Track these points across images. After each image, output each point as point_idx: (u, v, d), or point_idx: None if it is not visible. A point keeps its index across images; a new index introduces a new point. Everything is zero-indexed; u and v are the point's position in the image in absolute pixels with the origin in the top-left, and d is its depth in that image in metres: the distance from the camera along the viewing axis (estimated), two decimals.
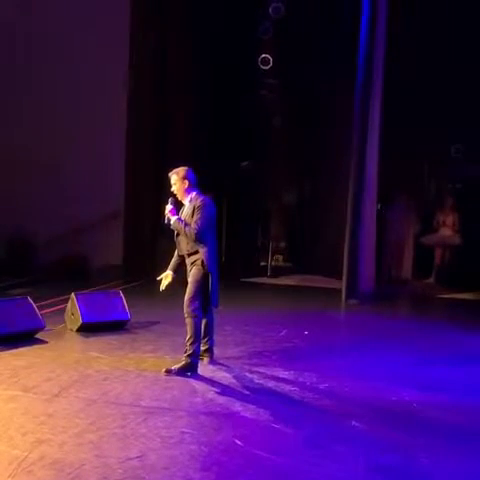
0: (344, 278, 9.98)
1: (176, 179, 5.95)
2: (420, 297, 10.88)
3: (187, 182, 5.93)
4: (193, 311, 5.77)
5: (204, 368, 5.90)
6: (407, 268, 11.80)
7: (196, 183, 5.99)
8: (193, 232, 5.79)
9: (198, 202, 5.87)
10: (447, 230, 11.83)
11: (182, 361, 5.76)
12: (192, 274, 5.86)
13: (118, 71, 11.39)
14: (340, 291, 10.01)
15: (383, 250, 11.08)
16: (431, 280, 11.71)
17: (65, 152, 11.37)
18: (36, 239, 11.39)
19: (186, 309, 5.79)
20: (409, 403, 5.28)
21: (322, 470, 3.97)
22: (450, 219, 11.82)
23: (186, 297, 5.82)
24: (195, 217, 5.81)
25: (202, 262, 5.80)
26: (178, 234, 5.97)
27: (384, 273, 11.25)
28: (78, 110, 11.40)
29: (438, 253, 11.78)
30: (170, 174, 6.02)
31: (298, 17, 11.74)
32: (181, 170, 5.97)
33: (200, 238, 5.81)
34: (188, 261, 5.94)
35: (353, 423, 4.77)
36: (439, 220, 11.89)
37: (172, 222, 5.89)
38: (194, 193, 5.94)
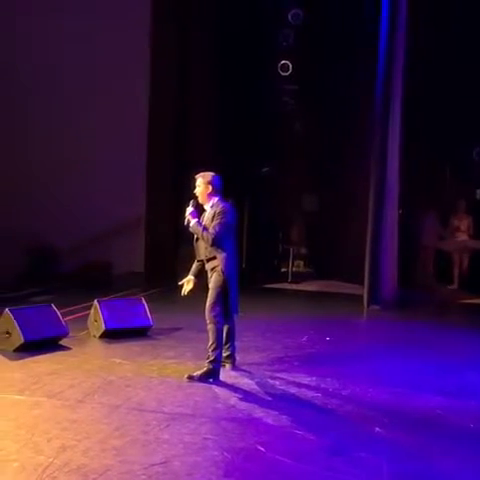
0: (366, 284, 9.93)
1: (201, 182, 5.99)
2: (442, 303, 10.79)
3: (211, 187, 5.96)
4: (214, 317, 5.78)
5: (226, 374, 5.91)
6: (429, 274, 11.71)
7: (220, 190, 6.02)
8: (210, 237, 5.82)
9: (219, 208, 5.90)
10: (463, 235, 11.69)
11: (204, 367, 5.78)
12: (213, 280, 5.88)
13: (139, 75, 11.48)
14: (362, 297, 9.97)
15: (404, 256, 11.01)
16: (454, 286, 11.60)
17: (86, 159, 11.47)
18: (59, 247, 11.48)
19: (207, 315, 5.81)
20: (432, 409, 5.23)
21: (345, 477, 3.96)
22: (465, 224, 11.66)
23: (207, 303, 5.84)
24: (214, 222, 5.85)
25: (221, 268, 5.83)
26: (197, 239, 6.00)
27: (405, 279, 11.18)
28: (99, 117, 11.48)
29: (456, 259, 11.66)
30: (197, 176, 6.06)
31: (317, 23, 11.75)
32: (208, 175, 6.02)
33: (217, 243, 5.83)
34: (207, 267, 5.97)
35: (376, 429, 4.75)
36: (454, 225, 11.76)
37: (191, 224, 5.93)
38: (216, 199, 5.97)
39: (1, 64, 11.10)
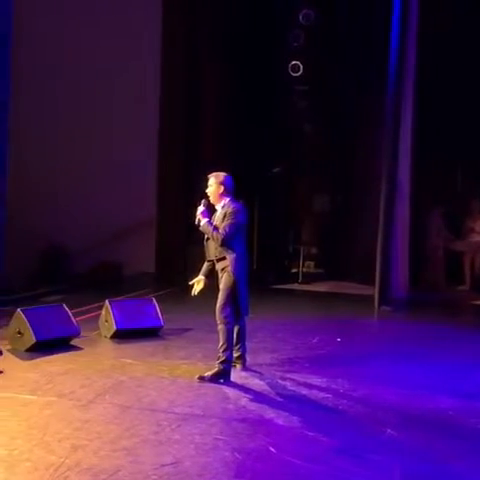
0: (377, 284, 9.89)
1: (213, 182, 6.00)
2: (454, 304, 10.73)
3: (223, 188, 5.96)
4: (225, 318, 5.79)
5: (237, 375, 5.91)
6: (439, 275, 11.65)
7: (232, 190, 6.02)
8: (220, 237, 5.81)
9: (230, 209, 5.91)
10: (476, 236, 11.60)
11: (215, 368, 5.78)
12: (223, 281, 5.88)
13: (149, 76, 11.50)
14: (373, 298, 9.93)
15: (415, 256, 10.97)
16: (466, 287, 11.53)
17: (97, 160, 11.50)
18: (70, 247, 11.52)
19: (218, 316, 5.82)
20: (445, 411, 5.21)
21: (356, 478, 3.95)
22: (479, 224, 11.61)
23: (218, 304, 5.84)
24: (225, 223, 5.85)
25: (231, 269, 5.82)
26: (208, 238, 6.00)
27: (416, 279, 11.14)
28: (110, 118, 11.51)
29: (467, 260, 11.58)
30: (209, 176, 6.07)
31: (328, 23, 11.73)
32: (220, 175, 6.03)
33: (227, 244, 5.83)
34: (218, 267, 5.97)
35: (387, 431, 4.73)
36: (468, 226, 11.68)
37: (202, 224, 5.93)
38: (228, 199, 5.98)
39: (19, 66, 11.13)
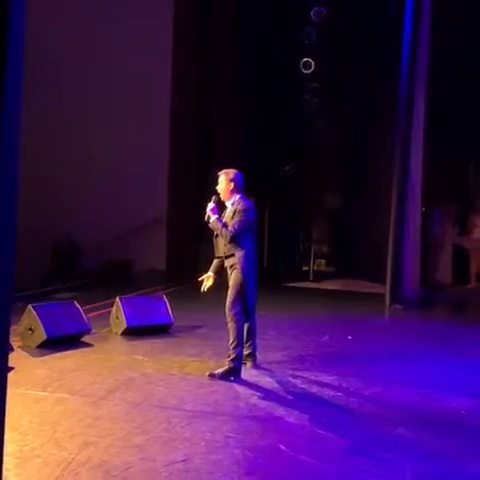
0: (388, 283, 9.86)
1: (223, 178, 6.00)
2: (465, 302, 10.68)
3: (233, 185, 5.95)
4: (235, 315, 5.78)
5: (247, 373, 5.90)
6: (446, 272, 11.58)
7: (242, 188, 6.02)
8: (229, 234, 5.81)
9: (240, 206, 5.89)
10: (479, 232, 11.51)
11: (225, 365, 5.78)
12: (232, 278, 5.88)
13: (161, 74, 11.51)
14: (384, 296, 9.90)
15: (425, 254, 10.92)
16: (472, 285, 11.45)
17: (109, 159, 11.53)
18: (81, 244, 11.56)
19: (228, 313, 5.81)
20: (457, 410, 5.18)
21: (367, 477, 3.93)
22: None
23: (227, 301, 5.84)
24: (234, 220, 5.84)
25: (240, 266, 5.81)
26: (217, 235, 5.99)
27: (426, 277, 11.09)
28: (123, 116, 11.54)
29: (473, 257, 11.49)
30: (220, 173, 6.07)
31: (340, 20, 11.70)
32: (231, 172, 6.02)
33: (236, 241, 5.82)
34: (226, 264, 5.97)
35: (399, 430, 4.71)
36: (472, 222, 11.57)
37: (211, 220, 5.93)
38: (238, 197, 5.97)
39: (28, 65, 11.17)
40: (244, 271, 5.80)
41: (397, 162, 9.90)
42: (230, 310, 5.80)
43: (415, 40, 9.72)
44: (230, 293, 5.85)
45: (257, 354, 6.20)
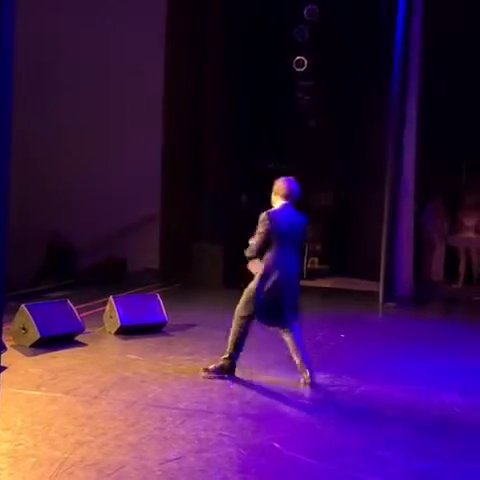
0: (381, 281, 9.89)
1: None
2: (457, 300, 10.72)
3: (273, 194, 5.88)
4: (239, 319, 5.74)
5: (241, 371, 5.90)
6: (439, 271, 11.60)
7: (283, 195, 5.80)
8: (249, 254, 5.74)
9: (261, 217, 5.73)
10: (468, 232, 11.50)
11: (219, 362, 5.78)
12: (252, 282, 5.80)
13: (153, 74, 11.50)
14: (377, 294, 9.93)
15: (418, 252, 10.94)
16: (458, 285, 11.45)
17: (102, 157, 11.51)
18: (74, 243, 11.54)
19: (235, 313, 5.78)
20: (450, 407, 5.20)
21: (360, 474, 3.94)
22: (471, 220, 11.41)
23: (239, 303, 5.80)
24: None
25: (260, 274, 5.70)
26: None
27: (419, 275, 11.10)
28: (115, 115, 11.51)
29: (462, 256, 11.51)
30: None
31: (333, 19, 11.71)
32: (277, 181, 5.89)
33: (260, 255, 5.71)
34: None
35: (392, 427, 4.73)
36: (461, 221, 11.57)
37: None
38: (276, 205, 5.83)
39: (21, 65, 11.14)
40: (260, 280, 5.67)
41: (390, 161, 9.93)
42: (237, 311, 5.76)
43: (407, 38, 9.75)
44: (243, 295, 5.78)
45: (312, 366, 5.69)
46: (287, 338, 5.82)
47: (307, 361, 5.71)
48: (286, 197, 5.82)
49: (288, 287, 5.74)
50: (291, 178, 5.91)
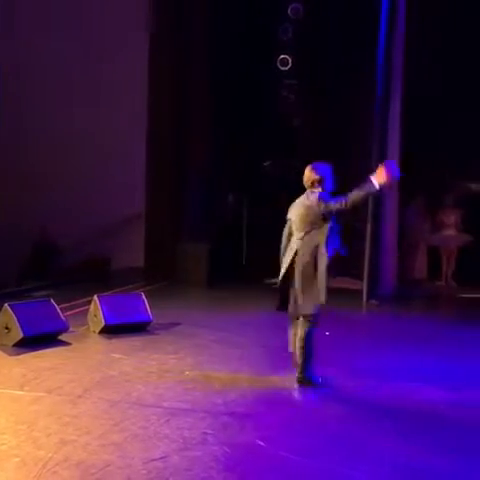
0: (365, 279, 9.95)
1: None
2: (440, 297, 10.80)
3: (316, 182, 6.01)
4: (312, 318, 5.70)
5: (225, 369, 5.91)
6: (422, 269, 11.67)
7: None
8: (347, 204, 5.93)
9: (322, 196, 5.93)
10: (448, 230, 11.56)
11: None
12: None
13: (137, 71, 11.49)
14: (360, 292, 9.98)
15: (401, 250, 11.00)
16: (442, 283, 11.54)
17: (87, 156, 11.47)
18: (58, 242, 11.49)
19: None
20: (434, 403, 5.24)
21: (347, 471, 3.96)
22: (452, 219, 11.48)
23: None
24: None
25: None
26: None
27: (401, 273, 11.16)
28: (99, 113, 11.48)
29: (444, 254, 11.58)
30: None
31: (317, 17, 11.73)
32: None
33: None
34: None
35: (379, 425, 4.75)
36: (439, 219, 11.63)
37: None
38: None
39: (7, 65, 11.07)
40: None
41: (374, 160, 9.95)
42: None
43: (391, 36, 9.79)
44: None
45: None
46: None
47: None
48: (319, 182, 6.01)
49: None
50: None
